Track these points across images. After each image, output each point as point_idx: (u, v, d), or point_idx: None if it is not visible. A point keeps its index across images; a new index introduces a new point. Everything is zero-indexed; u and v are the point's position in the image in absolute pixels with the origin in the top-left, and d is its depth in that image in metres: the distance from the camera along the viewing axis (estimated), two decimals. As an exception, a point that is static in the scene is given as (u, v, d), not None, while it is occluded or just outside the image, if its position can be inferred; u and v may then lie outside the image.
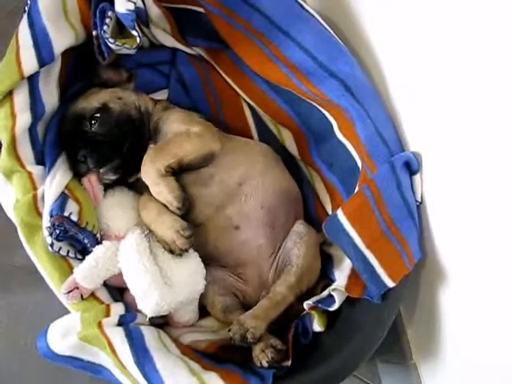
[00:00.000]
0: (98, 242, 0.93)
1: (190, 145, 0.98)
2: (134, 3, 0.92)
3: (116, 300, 0.94)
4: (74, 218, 0.88)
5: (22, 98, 0.92)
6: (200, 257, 0.97)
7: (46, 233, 0.88)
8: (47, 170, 0.94)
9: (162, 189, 0.94)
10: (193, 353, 0.91)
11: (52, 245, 0.88)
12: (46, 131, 0.98)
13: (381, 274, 0.84)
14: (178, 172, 0.97)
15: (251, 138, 1.17)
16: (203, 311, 1.02)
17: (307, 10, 0.96)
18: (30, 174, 0.93)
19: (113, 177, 0.99)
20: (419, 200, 0.87)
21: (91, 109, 0.99)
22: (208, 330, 1.01)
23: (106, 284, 0.94)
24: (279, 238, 1.02)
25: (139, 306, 0.90)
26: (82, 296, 0.89)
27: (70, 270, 0.90)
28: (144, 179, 0.96)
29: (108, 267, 0.91)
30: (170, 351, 0.88)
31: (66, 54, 0.97)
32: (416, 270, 0.88)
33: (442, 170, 0.81)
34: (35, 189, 0.92)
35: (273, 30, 0.96)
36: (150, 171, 0.95)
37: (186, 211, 0.95)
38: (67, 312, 0.90)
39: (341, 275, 0.93)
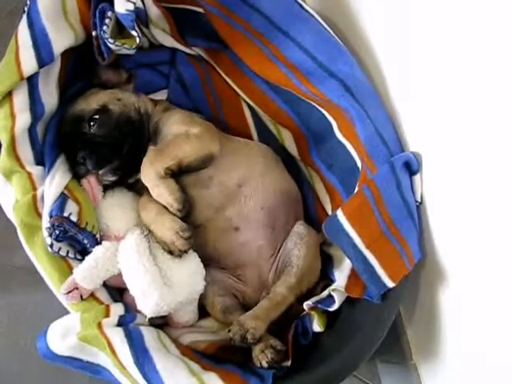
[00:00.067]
0: (98, 243, 0.93)
1: (189, 146, 0.97)
2: (134, 3, 0.92)
3: (116, 300, 0.94)
4: (74, 218, 0.88)
5: (21, 99, 0.92)
6: (199, 258, 0.97)
7: (45, 233, 0.88)
8: (47, 170, 0.94)
9: (162, 191, 0.94)
10: (192, 353, 0.91)
11: (52, 245, 0.88)
12: (46, 132, 0.98)
13: (381, 274, 0.83)
14: (178, 174, 0.97)
15: (251, 138, 1.17)
16: (203, 312, 1.02)
17: (307, 10, 0.96)
18: (29, 174, 0.93)
19: (112, 178, 0.98)
20: (419, 200, 0.87)
21: (90, 110, 0.99)
22: (208, 331, 1.01)
23: (105, 284, 0.94)
24: (279, 238, 1.02)
25: (139, 307, 0.90)
26: (81, 296, 0.89)
27: (70, 270, 0.90)
28: (144, 181, 0.96)
29: (107, 267, 0.91)
30: (170, 351, 0.88)
31: (65, 54, 0.97)
32: (416, 271, 0.88)
33: (442, 170, 0.81)
34: (35, 189, 0.92)
35: (272, 30, 0.96)
36: (150, 173, 0.95)
37: (187, 213, 0.95)
38: (67, 312, 0.90)
39: (341, 275, 0.93)
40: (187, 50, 1.14)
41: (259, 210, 1.00)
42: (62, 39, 0.94)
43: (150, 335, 0.87)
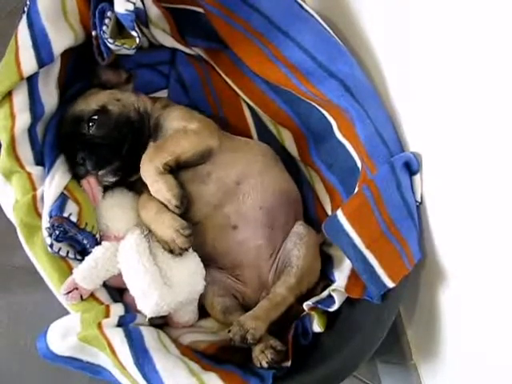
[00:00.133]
0: (98, 243, 0.93)
1: (187, 142, 0.98)
2: (134, 3, 0.92)
3: (116, 300, 0.94)
4: (74, 218, 0.88)
5: (21, 99, 0.92)
6: (199, 257, 0.97)
7: (45, 233, 0.88)
8: (46, 170, 0.94)
9: (160, 186, 0.94)
10: (192, 353, 0.91)
11: (51, 245, 0.88)
12: (46, 132, 0.98)
13: (380, 274, 0.83)
14: (176, 169, 0.97)
15: (251, 138, 1.17)
16: (203, 312, 1.02)
17: (306, 10, 0.96)
18: (29, 174, 0.93)
19: (112, 179, 0.99)
20: (419, 200, 0.87)
21: (89, 111, 0.99)
22: (208, 331, 1.01)
23: (105, 285, 0.94)
24: (278, 238, 1.02)
25: (139, 307, 0.90)
26: (81, 297, 0.89)
27: (70, 270, 0.90)
28: (143, 177, 0.96)
29: (107, 268, 0.91)
30: (170, 352, 0.88)
31: (65, 54, 0.97)
32: (416, 271, 0.88)
33: (442, 170, 0.81)
34: (35, 189, 0.92)
35: (272, 30, 0.96)
36: (149, 169, 0.95)
37: (185, 209, 0.95)
38: (67, 312, 0.90)
39: (340, 276, 0.93)
40: (187, 50, 1.14)
41: (258, 210, 1.00)
42: (61, 39, 0.94)
43: (150, 335, 0.87)
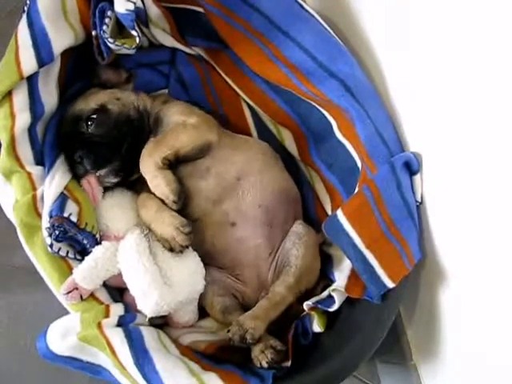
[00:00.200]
0: (98, 243, 0.93)
1: (186, 136, 0.98)
2: (134, 3, 0.92)
3: (116, 300, 0.93)
4: (74, 218, 0.88)
5: (21, 98, 0.92)
6: (199, 256, 0.97)
7: (45, 233, 0.88)
8: (46, 170, 0.94)
9: (159, 181, 0.94)
10: (192, 353, 0.91)
11: (51, 245, 0.88)
12: (46, 131, 0.98)
13: (380, 274, 0.83)
14: (175, 164, 0.97)
15: (251, 136, 1.17)
16: (203, 312, 1.02)
17: (307, 10, 0.96)
18: (29, 174, 0.93)
19: (114, 180, 0.99)
20: (419, 200, 0.87)
21: (88, 110, 0.99)
22: (207, 331, 1.01)
23: (105, 284, 0.94)
24: (277, 238, 1.02)
25: (139, 306, 0.90)
26: (81, 296, 0.89)
27: (70, 270, 0.90)
28: (143, 173, 0.96)
29: (107, 268, 0.91)
30: (170, 352, 0.88)
31: (65, 54, 0.97)
32: (416, 271, 0.88)
33: (442, 170, 0.81)
34: (35, 189, 0.92)
35: (272, 29, 0.96)
36: (149, 164, 0.95)
37: (183, 206, 0.95)
38: (67, 312, 0.90)
39: (340, 276, 0.93)
40: (187, 50, 1.14)
41: (257, 208, 1.00)
42: (61, 39, 0.94)
43: (150, 335, 0.87)
